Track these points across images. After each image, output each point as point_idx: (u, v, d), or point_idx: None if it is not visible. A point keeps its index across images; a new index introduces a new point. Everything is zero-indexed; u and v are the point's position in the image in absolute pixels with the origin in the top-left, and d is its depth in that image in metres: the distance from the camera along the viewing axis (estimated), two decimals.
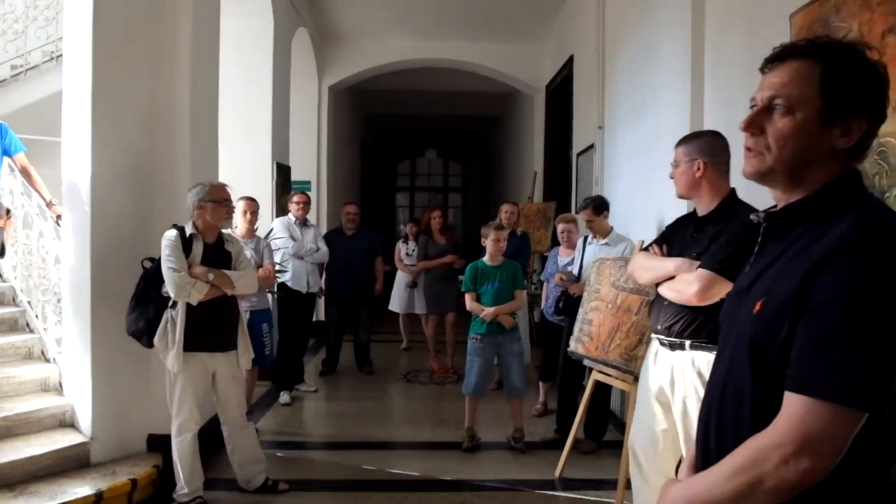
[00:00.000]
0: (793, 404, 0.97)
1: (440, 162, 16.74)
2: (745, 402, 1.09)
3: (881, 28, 2.17)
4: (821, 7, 2.51)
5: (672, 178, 2.57)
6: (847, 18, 2.35)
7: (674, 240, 2.65)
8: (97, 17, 3.43)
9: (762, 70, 1.15)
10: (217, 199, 3.22)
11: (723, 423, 1.15)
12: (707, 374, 1.99)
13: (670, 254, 2.59)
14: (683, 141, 2.58)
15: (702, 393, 1.71)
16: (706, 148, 2.49)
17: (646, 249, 2.77)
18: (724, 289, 2.21)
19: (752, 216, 1.22)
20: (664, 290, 2.49)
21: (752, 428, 1.05)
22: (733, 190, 2.50)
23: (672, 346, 2.48)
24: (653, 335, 2.63)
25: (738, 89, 3.20)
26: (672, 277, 2.45)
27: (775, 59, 1.13)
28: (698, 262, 2.37)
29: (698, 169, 2.46)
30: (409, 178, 17.22)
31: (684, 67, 3.72)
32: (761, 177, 1.15)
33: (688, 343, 2.42)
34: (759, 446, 0.99)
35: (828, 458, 0.94)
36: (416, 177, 17.16)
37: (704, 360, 2.33)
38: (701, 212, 2.55)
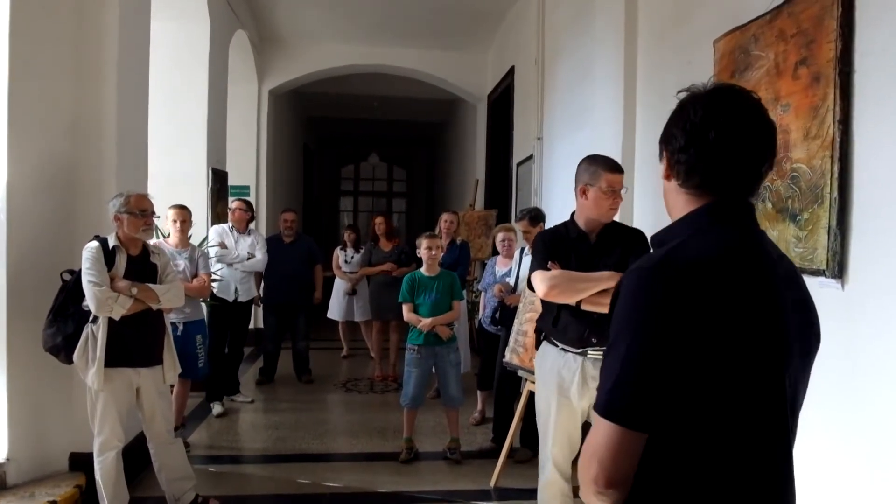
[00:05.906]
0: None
1: (384, 166, 16.67)
2: None
3: (794, 59, 2.28)
4: (741, 35, 2.62)
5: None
6: (764, 48, 2.46)
7: (559, 257, 2.65)
8: (14, 18, 3.24)
9: None
10: (133, 211, 3.09)
11: None
12: None
13: (566, 269, 2.61)
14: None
15: None
16: None
17: (545, 269, 2.64)
18: None
19: None
20: (590, 305, 2.51)
21: None
22: None
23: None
24: (566, 348, 2.69)
25: (668, 109, 3.30)
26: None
27: None
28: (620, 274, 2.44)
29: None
30: (353, 183, 17.09)
31: (618, 85, 3.81)
32: None
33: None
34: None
35: (609, 469, 1.00)
36: (360, 181, 17.05)
37: None
38: (590, 227, 2.66)
